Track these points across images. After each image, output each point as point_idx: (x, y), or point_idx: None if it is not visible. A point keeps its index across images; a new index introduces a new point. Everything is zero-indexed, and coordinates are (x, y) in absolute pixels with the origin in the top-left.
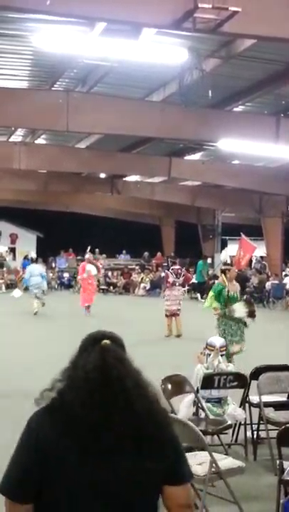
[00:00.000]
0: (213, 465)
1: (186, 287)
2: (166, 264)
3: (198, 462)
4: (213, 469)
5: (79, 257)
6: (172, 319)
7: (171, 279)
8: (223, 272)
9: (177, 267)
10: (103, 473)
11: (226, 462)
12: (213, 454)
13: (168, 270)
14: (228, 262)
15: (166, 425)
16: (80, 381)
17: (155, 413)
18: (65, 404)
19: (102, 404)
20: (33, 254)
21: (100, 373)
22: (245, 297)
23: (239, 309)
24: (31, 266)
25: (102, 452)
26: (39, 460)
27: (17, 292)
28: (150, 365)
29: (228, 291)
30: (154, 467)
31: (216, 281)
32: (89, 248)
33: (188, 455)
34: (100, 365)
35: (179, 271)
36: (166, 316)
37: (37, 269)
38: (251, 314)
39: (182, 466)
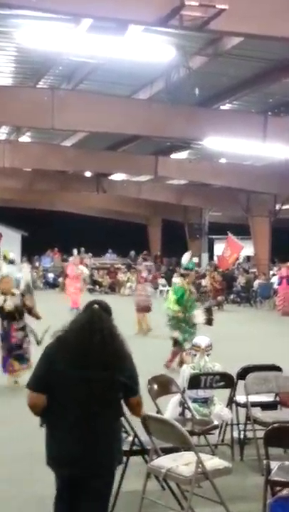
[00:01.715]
0: (200, 465)
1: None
2: (153, 263)
3: (184, 463)
4: (199, 470)
5: (64, 256)
6: (143, 315)
7: (144, 275)
8: (183, 275)
9: (149, 263)
10: (82, 379)
11: (212, 462)
12: (200, 454)
13: (141, 266)
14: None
15: (125, 356)
16: (76, 327)
17: (119, 349)
18: (65, 339)
19: (85, 340)
20: (12, 256)
21: (87, 323)
22: (206, 304)
23: (198, 316)
24: (8, 267)
25: (82, 367)
26: (48, 367)
27: None
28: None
29: (188, 295)
30: (117, 380)
31: (177, 285)
32: (76, 251)
33: (175, 455)
34: (88, 319)
35: (149, 268)
36: (137, 311)
37: (12, 270)
38: (209, 322)
39: (134, 385)
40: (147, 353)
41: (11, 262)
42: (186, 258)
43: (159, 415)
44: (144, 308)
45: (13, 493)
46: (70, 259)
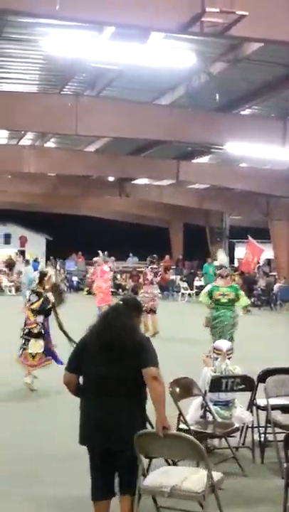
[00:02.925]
0: (210, 479)
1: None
2: (174, 266)
3: (182, 478)
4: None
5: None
6: (148, 316)
7: (149, 277)
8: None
9: (155, 266)
10: (99, 360)
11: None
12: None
13: (147, 268)
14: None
15: (127, 337)
16: (98, 320)
17: (122, 331)
18: (91, 328)
19: (98, 326)
20: (28, 257)
21: (104, 317)
22: None
23: None
24: (27, 267)
25: (98, 350)
26: (78, 352)
27: (25, 294)
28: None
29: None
30: (125, 359)
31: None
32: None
33: (158, 472)
34: (108, 311)
35: (155, 270)
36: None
37: (31, 270)
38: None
39: (144, 357)
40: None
41: (28, 262)
42: (223, 257)
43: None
44: (148, 310)
45: (24, 493)
46: (97, 259)
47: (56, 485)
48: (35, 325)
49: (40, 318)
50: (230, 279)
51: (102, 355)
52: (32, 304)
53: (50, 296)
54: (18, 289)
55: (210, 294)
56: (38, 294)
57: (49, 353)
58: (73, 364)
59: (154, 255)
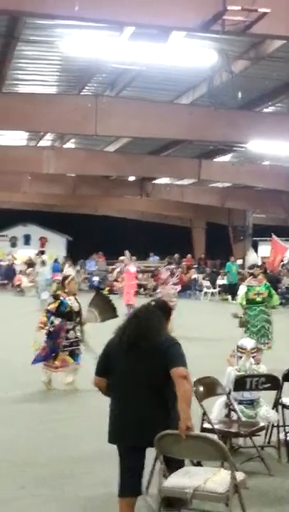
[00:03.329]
0: (234, 479)
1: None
2: (196, 266)
3: (204, 479)
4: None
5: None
6: None
7: (163, 277)
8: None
9: (172, 266)
10: (125, 359)
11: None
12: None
13: (162, 268)
14: (258, 263)
15: (155, 336)
16: (126, 320)
17: (149, 330)
18: (119, 328)
19: (126, 326)
20: (45, 257)
21: (133, 317)
22: None
23: None
24: (43, 268)
25: (124, 349)
26: (106, 355)
27: (45, 294)
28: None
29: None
30: (155, 358)
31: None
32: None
33: (179, 473)
34: (136, 312)
35: (174, 271)
36: None
37: (47, 271)
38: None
39: (172, 358)
40: None
41: (44, 263)
42: (254, 256)
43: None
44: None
45: (53, 494)
46: (123, 258)
47: (85, 486)
48: (42, 325)
49: (57, 321)
50: (262, 277)
51: (129, 354)
52: (49, 304)
53: (71, 300)
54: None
55: (246, 295)
56: (55, 297)
57: (52, 351)
58: (101, 367)
59: (176, 255)
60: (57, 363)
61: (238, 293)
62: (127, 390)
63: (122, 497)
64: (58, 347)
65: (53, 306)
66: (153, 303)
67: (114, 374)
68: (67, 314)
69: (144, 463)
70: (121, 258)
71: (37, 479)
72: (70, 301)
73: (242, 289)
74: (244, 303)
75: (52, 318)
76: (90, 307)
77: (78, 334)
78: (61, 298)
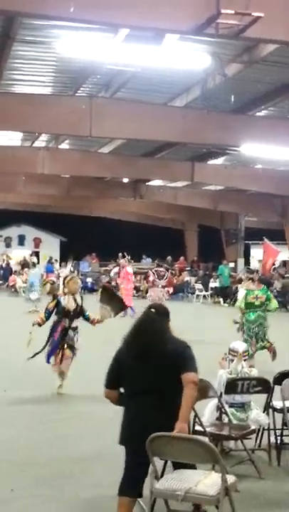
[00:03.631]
0: (225, 482)
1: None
2: (189, 268)
3: (195, 482)
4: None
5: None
6: None
7: (151, 278)
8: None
9: (161, 269)
10: (136, 366)
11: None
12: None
13: (151, 271)
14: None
15: (165, 342)
16: (132, 327)
17: (158, 337)
18: (125, 338)
19: (134, 334)
20: (34, 259)
21: (138, 324)
22: None
23: None
24: (34, 271)
25: (134, 356)
26: (116, 366)
27: (34, 294)
28: None
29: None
30: (161, 363)
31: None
32: (121, 255)
33: (170, 475)
34: (140, 320)
35: (162, 273)
36: None
37: (37, 273)
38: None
39: (184, 363)
40: None
41: (34, 265)
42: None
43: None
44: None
45: (52, 494)
46: (121, 261)
47: (85, 486)
48: (40, 320)
49: (54, 317)
50: (258, 282)
51: (138, 362)
52: (48, 303)
53: (67, 299)
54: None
55: (245, 299)
56: (54, 296)
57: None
58: (111, 379)
59: (168, 257)
60: (57, 360)
61: (237, 297)
62: (136, 396)
63: (120, 496)
64: (57, 342)
65: (51, 305)
66: (153, 310)
67: (125, 383)
68: (63, 312)
69: (147, 466)
70: (119, 261)
71: (37, 479)
72: (65, 300)
73: (241, 293)
74: (243, 306)
75: (51, 316)
76: (102, 304)
77: (76, 335)
78: (58, 297)
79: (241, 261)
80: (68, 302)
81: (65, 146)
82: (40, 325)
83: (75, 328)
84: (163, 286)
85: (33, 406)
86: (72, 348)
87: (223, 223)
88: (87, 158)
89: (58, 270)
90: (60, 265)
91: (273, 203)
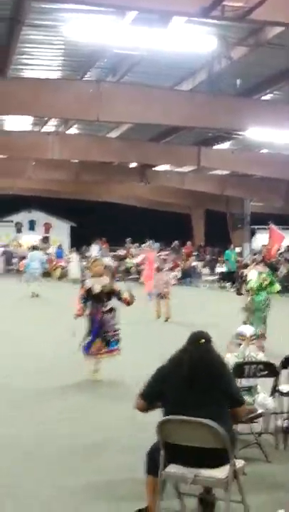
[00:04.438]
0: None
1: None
2: (196, 253)
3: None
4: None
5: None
6: (159, 302)
7: (156, 265)
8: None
9: (165, 253)
10: (190, 390)
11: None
12: None
13: (156, 256)
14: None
15: (224, 375)
16: (187, 357)
17: (219, 372)
18: (179, 364)
19: (193, 368)
20: (35, 243)
21: (197, 357)
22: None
23: None
24: (32, 252)
25: (191, 386)
26: (160, 384)
27: (27, 276)
28: None
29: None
30: (217, 394)
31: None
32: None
33: None
34: (198, 354)
35: (165, 257)
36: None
37: (36, 256)
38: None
39: (236, 396)
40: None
41: (35, 248)
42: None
43: (185, 417)
44: (161, 296)
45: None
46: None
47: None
48: (80, 312)
49: (89, 304)
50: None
51: (192, 386)
52: (80, 290)
53: (91, 281)
54: (42, 275)
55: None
56: (82, 282)
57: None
58: (152, 396)
59: (176, 242)
60: (93, 349)
61: (248, 278)
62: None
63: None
64: (96, 331)
65: (82, 291)
66: (203, 340)
67: (168, 404)
68: (94, 296)
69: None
70: (143, 246)
71: (37, 468)
72: (92, 283)
73: (253, 274)
74: (256, 286)
75: (87, 303)
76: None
77: (113, 318)
78: (86, 282)
79: (247, 246)
80: (95, 285)
81: (73, 130)
82: (80, 316)
83: (111, 310)
84: (168, 270)
85: (36, 395)
86: (109, 342)
87: (229, 208)
88: (95, 143)
89: (67, 255)
90: (69, 251)
91: (279, 187)
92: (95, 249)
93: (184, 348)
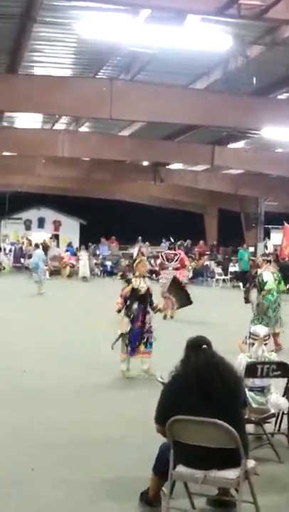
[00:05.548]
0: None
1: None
2: (209, 252)
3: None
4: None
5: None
6: (167, 301)
7: (159, 261)
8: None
9: (171, 251)
10: (204, 403)
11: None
12: None
13: (160, 254)
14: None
15: (238, 383)
16: (193, 369)
17: (232, 378)
18: (186, 379)
19: (205, 380)
20: (39, 241)
21: (204, 366)
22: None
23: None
24: (36, 251)
25: (205, 400)
26: (170, 405)
27: (36, 276)
28: None
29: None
30: (234, 399)
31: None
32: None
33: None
34: (204, 362)
35: (171, 255)
36: (161, 296)
37: (38, 254)
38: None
39: (244, 399)
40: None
41: (37, 246)
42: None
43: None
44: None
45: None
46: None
47: (101, 468)
48: (120, 305)
49: (135, 305)
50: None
51: (202, 395)
52: (123, 289)
53: (137, 281)
54: (52, 273)
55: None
56: (127, 281)
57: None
58: (165, 417)
59: (187, 241)
60: (136, 350)
61: (264, 280)
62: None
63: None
64: (139, 332)
65: (126, 291)
66: (205, 346)
67: (185, 412)
68: (140, 297)
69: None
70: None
71: (47, 463)
72: (136, 282)
73: (268, 275)
74: (273, 287)
75: (133, 304)
76: (168, 294)
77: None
78: (132, 281)
79: (261, 245)
80: (140, 285)
81: (85, 128)
82: (120, 310)
83: (149, 312)
84: (175, 268)
85: (48, 391)
86: (147, 343)
87: (243, 207)
88: (107, 141)
89: (78, 253)
90: (79, 249)
91: None
92: (135, 250)
93: (185, 358)
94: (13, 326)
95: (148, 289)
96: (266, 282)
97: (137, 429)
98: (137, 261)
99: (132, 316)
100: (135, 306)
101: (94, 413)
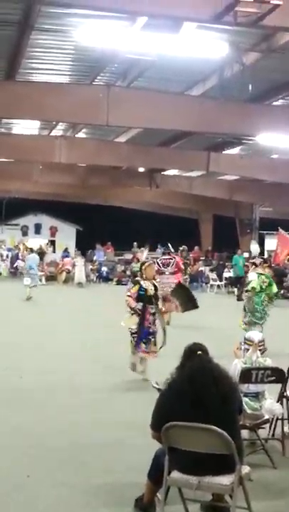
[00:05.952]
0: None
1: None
2: (204, 258)
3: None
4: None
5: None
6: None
7: (156, 268)
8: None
9: (166, 257)
10: (198, 409)
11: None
12: None
13: (156, 260)
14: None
15: (234, 389)
16: (188, 375)
17: (227, 384)
18: (180, 386)
19: (200, 386)
20: (31, 245)
21: (199, 371)
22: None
23: None
24: (30, 255)
25: (199, 407)
26: (165, 412)
27: (27, 280)
28: None
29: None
30: (229, 404)
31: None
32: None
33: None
34: (198, 367)
35: (167, 261)
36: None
37: (31, 258)
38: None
39: (240, 406)
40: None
41: (32, 250)
42: (256, 247)
43: (195, 424)
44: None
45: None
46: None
47: (98, 472)
48: (129, 309)
49: (139, 305)
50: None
51: (197, 401)
52: (129, 290)
53: (147, 284)
54: (48, 279)
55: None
56: (135, 282)
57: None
58: (160, 424)
59: (183, 247)
60: (144, 349)
61: (249, 279)
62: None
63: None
64: (145, 330)
65: (133, 291)
66: (200, 352)
67: (181, 419)
68: (146, 298)
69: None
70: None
71: (47, 465)
72: (146, 284)
73: (253, 275)
74: (258, 287)
75: (137, 304)
76: (173, 297)
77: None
78: (140, 282)
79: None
80: (148, 286)
81: (82, 135)
82: (134, 308)
83: (155, 313)
84: (171, 273)
85: (49, 392)
86: (148, 342)
87: (237, 213)
88: (103, 148)
89: (73, 259)
90: (74, 254)
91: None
92: (144, 253)
93: (180, 365)
94: (13, 327)
95: (156, 291)
96: (250, 281)
97: (137, 432)
98: (145, 264)
99: (139, 316)
100: (139, 306)
101: (94, 414)
